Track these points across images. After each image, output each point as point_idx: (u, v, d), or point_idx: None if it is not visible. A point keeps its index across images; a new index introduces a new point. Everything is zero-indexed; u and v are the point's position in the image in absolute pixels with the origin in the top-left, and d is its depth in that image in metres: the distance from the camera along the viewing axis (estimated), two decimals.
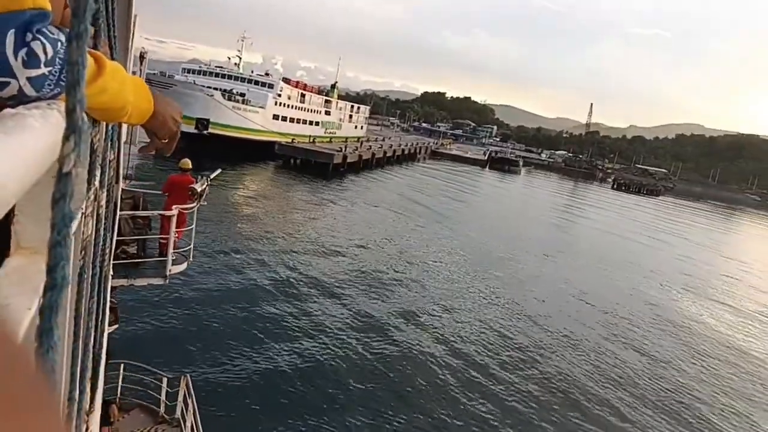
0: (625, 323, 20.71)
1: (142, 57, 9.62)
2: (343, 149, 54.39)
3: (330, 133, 70.94)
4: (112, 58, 0.97)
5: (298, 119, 61.34)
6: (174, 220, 7.81)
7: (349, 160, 53.38)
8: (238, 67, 60.23)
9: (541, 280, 24.93)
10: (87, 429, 1.56)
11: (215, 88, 49.81)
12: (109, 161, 1.66)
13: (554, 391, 13.77)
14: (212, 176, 9.14)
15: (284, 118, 57.74)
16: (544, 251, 32.02)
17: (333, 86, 77.26)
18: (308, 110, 64.53)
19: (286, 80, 60.69)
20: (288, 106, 58.69)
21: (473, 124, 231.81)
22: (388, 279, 20.50)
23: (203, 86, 48.62)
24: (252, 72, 58.86)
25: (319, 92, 71.31)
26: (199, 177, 8.85)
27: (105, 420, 6.68)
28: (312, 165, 48.95)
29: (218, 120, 46.62)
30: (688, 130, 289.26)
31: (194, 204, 8.37)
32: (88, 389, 1.47)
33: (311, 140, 59.17)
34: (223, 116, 47.05)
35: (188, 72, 57.19)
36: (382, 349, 14.13)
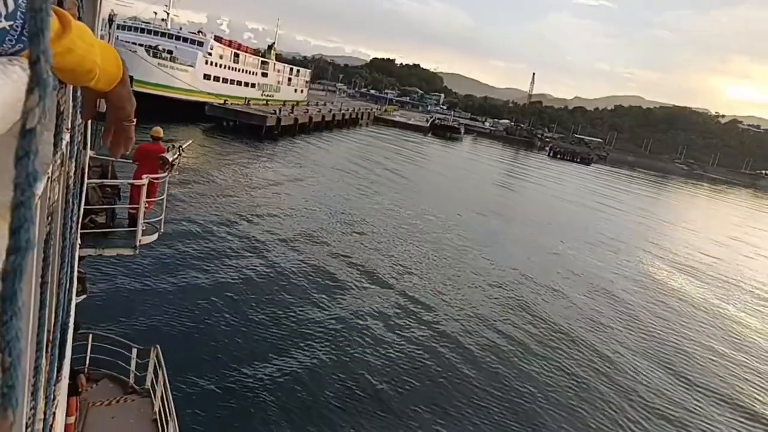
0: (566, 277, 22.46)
1: (111, 20, 9.18)
2: (278, 112, 53.64)
3: (267, 95, 69.45)
4: (80, 20, 0.98)
5: (231, 80, 59.60)
6: (144, 189, 7.65)
7: (283, 124, 52.71)
8: (166, 23, 57.50)
9: (473, 240, 26.39)
10: (54, 398, 1.55)
11: (140, 44, 47.65)
12: (77, 126, 1.63)
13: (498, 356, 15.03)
14: (184, 146, 9.04)
15: (216, 78, 55.98)
16: (474, 211, 33.61)
17: (270, 47, 75.03)
18: (243, 71, 62.76)
19: (218, 38, 58.56)
20: (220, 65, 56.83)
21: (421, 92, 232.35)
22: (331, 243, 20.97)
23: (126, 41, 46.32)
24: (180, 29, 56.38)
25: (255, 53, 69.38)
26: (171, 146, 8.74)
27: (73, 390, 6.60)
28: (245, 127, 48.13)
29: (142, 77, 44.66)
30: (629, 102, 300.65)
31: (165, 174, 8.23)
32: (55, 358, 1.46)
33: (246, 102, 57.88)
34: (147, 73, 45.14)
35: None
36: (336, 316, 14.55)
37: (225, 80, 58.18)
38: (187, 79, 49.99)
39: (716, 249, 38.92)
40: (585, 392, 13.13)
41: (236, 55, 61.08)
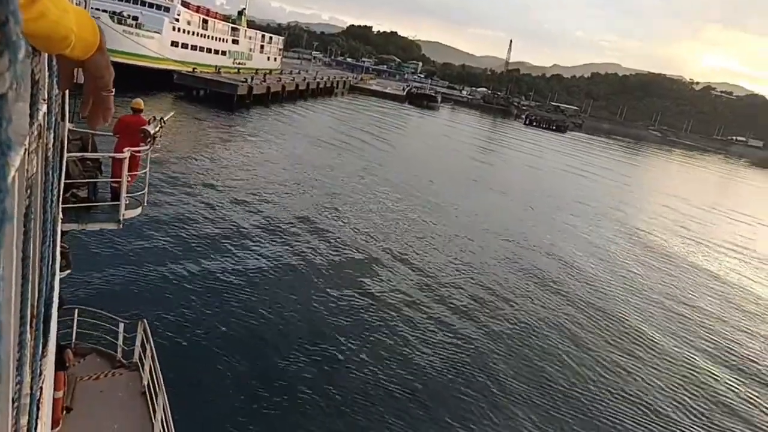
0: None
1: None
2: (249, 80, 52.36)
3: (239, 63, 67.62)
4: None
5: (200, 47, 57.74)
6: (126, 163, 7.52)
7: (255, 92, 51.58)
8: None
9: (452, 208, 26.69)
10: (40, 373, 1.53)
11: (103, 10, 45.53)
12: (54, 97, 1.55)
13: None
14: (166, 118, 8.78)
15: (185, 46, 54.17)
16: (452, 178, 33.89)
17: (240, 13, 72.39)
18: (212, 38, 60.82)
19: (185, 4, 56.28)
20: (188, 32, 54.91)
21: (398, 60, 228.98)
22: (315, 217, 20.96)
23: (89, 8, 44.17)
24: None
25: (225, 19, 67.11)
26: (152, 118, 8.51)
27: (60, 364, 6.57)
28: (215, 96, 47.00)
29: (107, 45, 42.82)
30: (606, 70, 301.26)
31: (147, 147, 8.05)
32: (40, 333, 1.43)
33: (216, 70, 56.31)
34: (112, 41, 43.12)
35: None
36: (322, 290, 14.67)
37: (194, 47, 56.36)
38: (153, 46, 48.21)
39: (691, 210, 40.26)
40: (580, 346, 13.78)
41: (205, 21, 59.02)
